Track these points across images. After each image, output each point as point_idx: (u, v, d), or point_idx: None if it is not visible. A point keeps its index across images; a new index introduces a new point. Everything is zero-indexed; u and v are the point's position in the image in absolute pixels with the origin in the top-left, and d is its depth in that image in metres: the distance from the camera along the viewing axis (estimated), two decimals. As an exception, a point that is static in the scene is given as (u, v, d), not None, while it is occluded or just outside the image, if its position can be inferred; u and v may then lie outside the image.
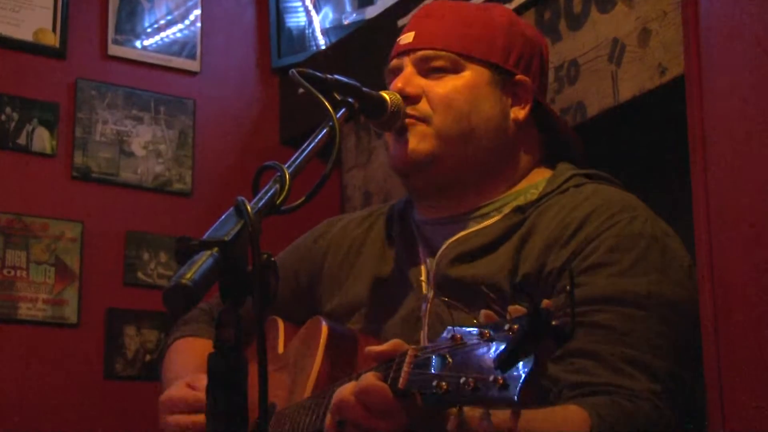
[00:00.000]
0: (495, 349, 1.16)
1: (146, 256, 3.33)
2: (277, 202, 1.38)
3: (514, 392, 1.12)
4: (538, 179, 1.88)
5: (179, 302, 1.15)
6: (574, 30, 2.45)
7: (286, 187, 1.39)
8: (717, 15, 1.59)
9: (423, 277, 1.86)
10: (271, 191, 1.38)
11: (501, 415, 1.19)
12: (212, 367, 1.21)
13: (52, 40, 3.31)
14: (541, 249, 1.72)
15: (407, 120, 1.83)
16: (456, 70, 1.85)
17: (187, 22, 3.57)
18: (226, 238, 1.23)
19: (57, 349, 3.16)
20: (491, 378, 1.14)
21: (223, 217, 1.28)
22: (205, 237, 1.24)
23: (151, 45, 3.49)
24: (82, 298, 3.21)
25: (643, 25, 2.26)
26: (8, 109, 3.20)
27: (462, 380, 1.18)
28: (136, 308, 3.28)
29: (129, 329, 3.26)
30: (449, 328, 1.26)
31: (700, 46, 1.60)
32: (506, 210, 1.82)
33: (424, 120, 1.83)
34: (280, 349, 1.98)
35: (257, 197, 1.37)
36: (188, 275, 1.16)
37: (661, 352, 1.61)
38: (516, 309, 1.20)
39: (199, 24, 3.58)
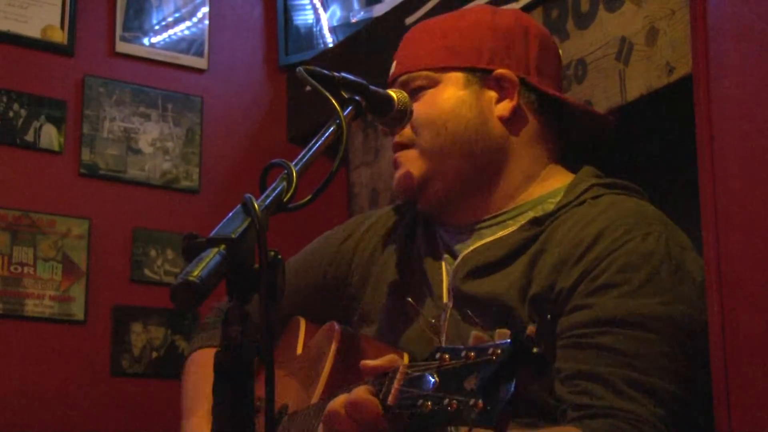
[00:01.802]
0: (478, 372, 1.17)
1: (153, 253, 3.33)
2: (285, 199, 1.38)
3: (493, 417, 1.13)
4: (557, 185, 1.85)
5: (186, 299, 1.15)
6: (582, 29, 2.45)
7: (294, 184, 1.39)
8: (725, 14, 1.58)
9: (444, 286, 1.84)
10: (279, 189, 1.38)
11: None
12: (218, 365, 1.21)
13: (60, 37, 3.31)
14: (552, 266, 1.69)
15: (396, 153, 1.87)
16: (433, 84, 1.86)
17: (194, 19, 3.57)
18: (233, 236, 1.23)
19: (63, 345, 3.17)
20: (472, 402, 1.15)
21: (230, 214, 1.28)
22: (212, 234, 1.24)
23: (158, 42, 3.50)
24: (89, 294, 3.21)
25: (650, 23, 2.26)
26: (16, 106, 3.20)
27: (446, 401, 1.19)
28: (142, 305, 3.29)
29: (136, 326, 3.27)
30: (438, 347, 1.27)
31: (708, 44, 1.60)
32: (522, 220, 1.80)
33: (410, 145, 1.86)
34: (299, 349, 1.97)
35: (264, 195, 1.37)
36: (195, 272, 1.16)
37: (667, 375, 1.58)
38: (501, 333, 1.20)
39: (206, 21, 3.58)
